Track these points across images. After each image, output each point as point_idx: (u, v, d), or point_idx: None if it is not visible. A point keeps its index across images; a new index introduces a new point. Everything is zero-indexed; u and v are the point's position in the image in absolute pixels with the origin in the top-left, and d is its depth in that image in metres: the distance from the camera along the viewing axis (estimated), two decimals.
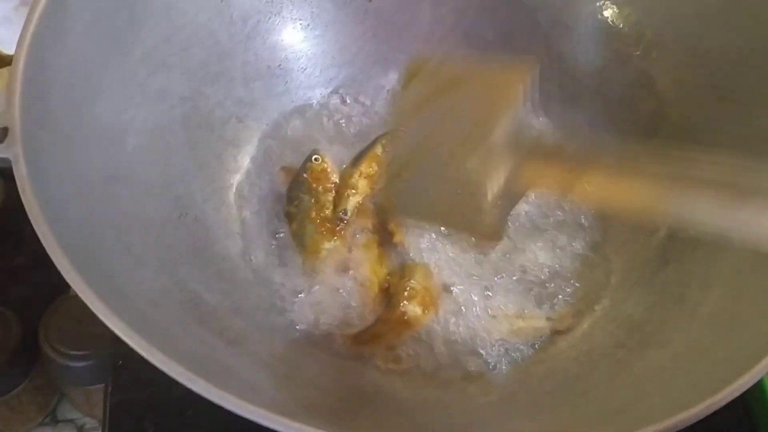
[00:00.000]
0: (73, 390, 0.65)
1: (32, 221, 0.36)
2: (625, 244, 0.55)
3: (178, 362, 0.33)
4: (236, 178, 0.57)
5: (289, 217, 0.56)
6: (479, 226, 0.43)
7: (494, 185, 0.41)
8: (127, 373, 0.52)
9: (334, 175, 0.57)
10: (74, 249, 0.37)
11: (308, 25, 0.61)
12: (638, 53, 0.58)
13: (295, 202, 0.56)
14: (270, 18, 0.60)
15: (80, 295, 0.34)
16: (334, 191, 0.56)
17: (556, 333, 0.51)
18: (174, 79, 0.54)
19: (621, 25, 0.59)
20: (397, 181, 0.47)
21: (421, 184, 0.45)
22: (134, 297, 0.41)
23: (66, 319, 0.60)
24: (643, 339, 0.47)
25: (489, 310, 0.52)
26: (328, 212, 0.55)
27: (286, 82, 0.61)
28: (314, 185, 0.56)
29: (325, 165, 0.57)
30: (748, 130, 0.51)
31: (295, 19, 0.61)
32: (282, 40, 0.61)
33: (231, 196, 0.56)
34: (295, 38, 0.61)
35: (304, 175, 0.57)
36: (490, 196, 0.41)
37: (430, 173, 0.44)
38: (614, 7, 0.59)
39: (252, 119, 0.59)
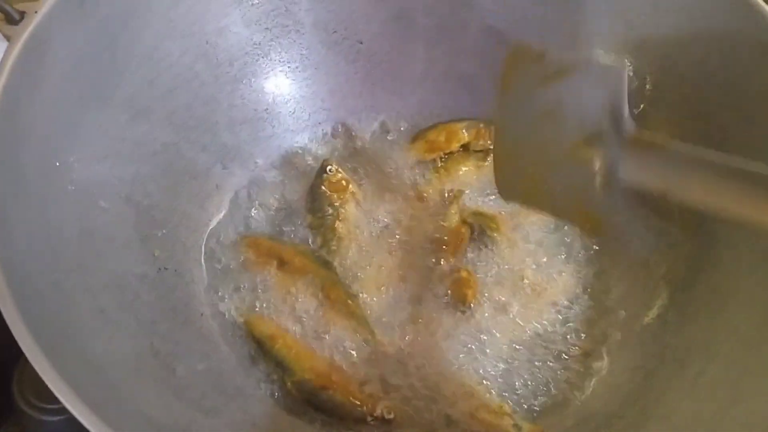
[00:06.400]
0: None
1: None
2: (625, 300, 0.53)
3: None
4: (219, 228, 0.55)
5: (313, 229, 0.56)
6: (585, 216, 0.45)
7: (601, 173, 0.42)
8: None
9: (351, 185, 0.57)
10: (41, 319, 0.34)
11: (297, 67, 0.60)
12: (635, 109, 0.56)
13: (318, 214, 0.56)
14: (257, 60, 0.58)
15: (44, 377, 0.32)
16: (354, 202, 0.57)
17: None
18: (157, 123, 0.52)
19: None
20: (504, 167, 0.47)
21: (530, 171, 0.46)
22: (108, 367, 0.38)
23: None
24: (643, 410, 0.45)
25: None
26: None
27: (273, 126, 0.59)
28: (334, 196, 0.56)
29: (340, 175, 0.57)
30: None
31: (284, 61, 0.59)
32: (269, 83, 0.59)
33: (213, 246, 0.54)
34: (284, 81, 0.59)
35: (322, 188, 0.56)
36: (598, 183, 0.42)
37: (540, 161, 0.45)
38: (612, 54, 0.58)
39: (237, 165, 0.57)
